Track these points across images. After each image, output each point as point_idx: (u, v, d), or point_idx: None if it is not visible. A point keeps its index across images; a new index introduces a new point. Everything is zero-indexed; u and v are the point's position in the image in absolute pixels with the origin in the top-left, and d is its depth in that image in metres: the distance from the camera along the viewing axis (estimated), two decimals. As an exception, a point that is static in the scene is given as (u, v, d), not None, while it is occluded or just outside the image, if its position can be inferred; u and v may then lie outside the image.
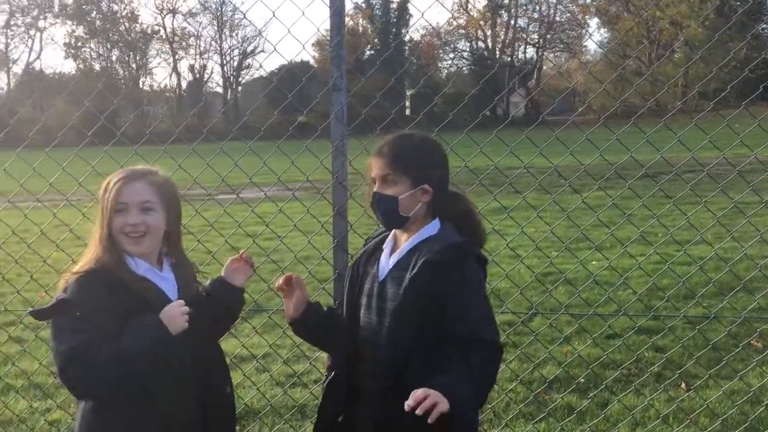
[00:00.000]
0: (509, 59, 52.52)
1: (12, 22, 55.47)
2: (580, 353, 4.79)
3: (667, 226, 4.54)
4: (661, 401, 4.25)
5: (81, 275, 2.09)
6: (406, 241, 2.25)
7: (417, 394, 1.85)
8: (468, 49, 55.64)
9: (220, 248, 5.25)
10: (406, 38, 54.11)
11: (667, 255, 6.59)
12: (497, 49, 53.49)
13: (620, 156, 3.57)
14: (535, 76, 53.63)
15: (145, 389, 2.07)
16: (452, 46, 55.29)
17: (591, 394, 4.38)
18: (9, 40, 55.82)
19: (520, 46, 55.17)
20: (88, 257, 2.15)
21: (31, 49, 57.15)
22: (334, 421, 2.32)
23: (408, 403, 1.84)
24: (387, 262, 2.26)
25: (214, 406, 2.27)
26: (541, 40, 53.97)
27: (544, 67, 54.57)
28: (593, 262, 7.31)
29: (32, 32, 56.14)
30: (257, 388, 4.39)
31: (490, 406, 4.24)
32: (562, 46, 54.41)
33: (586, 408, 4.20)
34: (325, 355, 2.81)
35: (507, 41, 53.55)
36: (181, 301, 2.11)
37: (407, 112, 35.90)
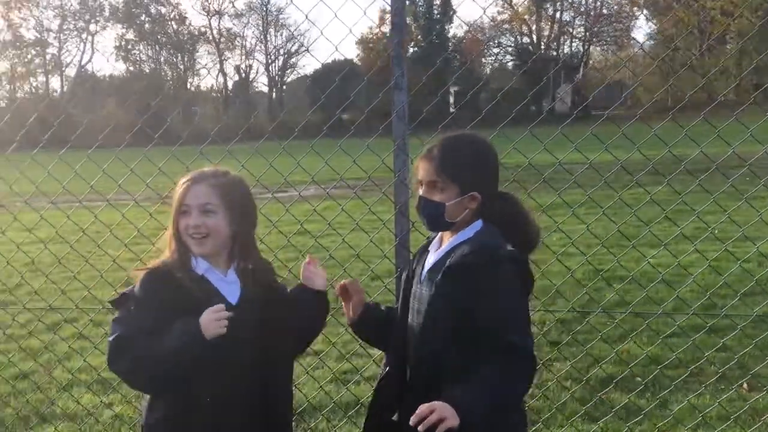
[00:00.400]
0: (554, 53, 51.87)
1: (65, 27, 57.13)
2: (635, 351, 4.73)
3: (739, 223, 4.41)
4: (723, 402, 4.18)
5: (146, 272, 2.18)
6: (447, 242, 2.23)
7: (422, 408, 1.83)
8: (512, 44, 55.15)
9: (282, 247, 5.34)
10: (450, 34, 53.91)
11: (727, 252, 6.45)
12: (542, 43, 52.87)
13: (675, 150, 3.50)
14: (581, 70, 52.82)
15: (193, 385, 2.12)
16: (496, 41, 54.85)
17: (650, 393, 4.33)
18: (62, 45, 57.51)
19: (565, 40, 54.47)
20: (162, 255, 2.23)
21: (83, 53, 58.79)
22: (384, 419, 2.30)
23: (412, 419, 1.82)
24: (429, 262, 2.26)
25: (273, 405, 2.26)
26: (587, 34, 53.14)
27: (590, 61, 53.75)
28: (651, 259, 7.19)
29: (84, 36, 57.73)
30: (320, 385, 4.43)
31: (545, 404, 4.22)
32: (609, 39, 53.46)
33: (646, 407, 4.15)
34: (379, 352, 2.82)
35: (552, 35, 52.91)
36: (220, 306, 2.09)
37: (451, 109, 35.77)
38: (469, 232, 2.17)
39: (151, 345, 2.06)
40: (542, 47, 52.42)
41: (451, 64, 45.64)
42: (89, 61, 59.11)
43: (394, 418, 2.28)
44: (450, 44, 52.35)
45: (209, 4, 57.23)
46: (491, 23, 51.72)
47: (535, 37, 53.31)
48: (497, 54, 55.87)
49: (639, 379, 4.54)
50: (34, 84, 57.81)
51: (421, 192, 2.20)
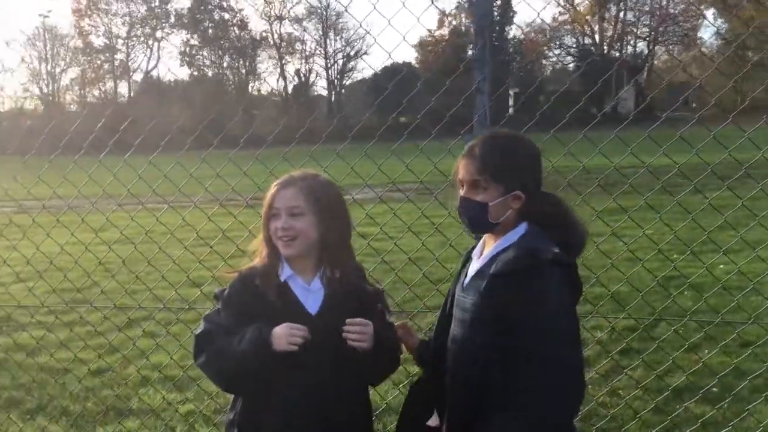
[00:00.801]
0: (618, 54, 50.77)
1: (132, 33, 58.99)
2: (710, 361, 4.56)
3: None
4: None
5: (238, 273, 2.24)
6: (490, 248, 2.13)
7: None
8: (574, 45, 54.22)
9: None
10: (510, 35, 53.34)
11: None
12: (605, 44, 51.82)
13: (743, 154, 3.35)
14: (645, 71, 51.53)
15: (264, 389, 2.15)
16: (557, 42, 54.01)
17: (723, 405, 4.16)
18: (130, 51, 59.40)
19: (629, 40, 53.23)
20: (255, 258, 2.28)
21: (149, 58, 60.56)
22: (419, 425, 2.26)
23: None
24: (472, 269, 2.17)
25: (345, 415, 2.22)
26: (652, 33, 51.81)
27: (655, 62, 52.41)
28: (720, 266, 6.95)
29: (150, 42, 59.48)
30: (398, 389, 4.39)
31: (609, 414, 4.11)
32: (675, 38, 52.00)
33: (720, 419, 3.99)
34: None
35: (615, 36, 51.80)
36: (295, 326, 2.08)
37: (510, 110, 35.38)
38: (513, 236, 2.07)
39: (226, 345, 2.11)
40: (605, 48, 51.36)
41: (510, 66, 45.21)
42: (155, 66, 60.79)
43: (430, 422, 2.24)
44: (509, 46, 51.83)
45: (270, 9, 58.22)
46: (552, 24, 51.03)
47: (597, 37, 52.31)
48: (558, 55, 55.09)
49: (715, 389, 4.38)
50: (103, 89, 59.97)
51: (462, 193, 2.11)
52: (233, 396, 2.30)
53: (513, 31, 52.89)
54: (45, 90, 58.41)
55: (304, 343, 2.07)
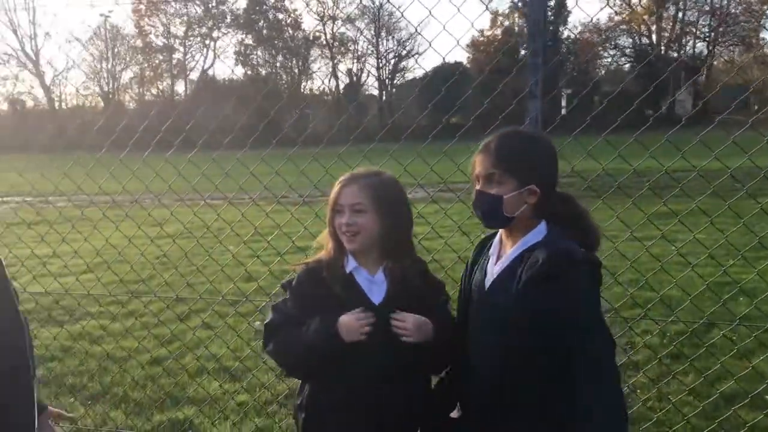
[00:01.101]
0: (676, 55, 49.59)
1: (189, 33, 60.28)
2: (762, 368, 4.51)
3: None
4: None
5: (305, 266, 2.38)
6: (511, 248, 2.14)
7: None
8: (630, 45, 53.16)
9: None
10: (564, 36, 52.64)
11: None
12: (662, 44, 50.67)
13: None
14: (704, 72, 50.18)
15: (328, 378, 2.28)
16: (613, 42, 53.04)
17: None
18: (187, 50, 60.71)
19: (688, 40, 51.93)
20: (321, 251, 2.41)
21: (205, 58, 61.83)
22: (442, 420, 2.32)
23: None
24: (493, 270, 2.18)
25: (406, 407, 2.30)
26: (712, 34, 50.44)
27: (715, 62, 50.98)
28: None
29: (207, 42, 60.70)
30: None
31: (655, 417, 4.12)
32: (735, 39, 50.50)
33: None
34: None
35: (674, 36, 50.60)
36: (362, 314, 2.20)
37: (563, 111, 34.95)
38: (536, 235, 2.10)
39: (293, 334, 2.25)
40: (662, 48, 50.23)
41: (564, 66, 44.62)
42: (211, 65, 61.91)
43: (453, 414, 2.32)
44: (563, 46, 51.14)
45: (324, 9, 58.74)
46: (608, 23, 50.17)
47: (654, 37, 51.17)
48: (613, 56, 54.07)
49: (767, 396, 4.34)
50: (161, 87, 61.44)
51: (477, 187, 2.14)
52: (300, 381, 2.44)
53: (567, 32, 52.25)
54: (105, 88, 60.19)
55: (371, 330, 2.19)
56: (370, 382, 2.24)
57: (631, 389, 4.57)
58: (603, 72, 53.01)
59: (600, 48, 52.31)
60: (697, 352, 4.92)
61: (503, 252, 2.19)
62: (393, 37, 58.10)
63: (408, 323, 2.21)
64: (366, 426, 2.25)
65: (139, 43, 60.08)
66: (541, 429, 2.05)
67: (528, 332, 2.02)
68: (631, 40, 53.03)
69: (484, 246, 2.31)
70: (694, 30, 51.20)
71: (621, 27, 51.71)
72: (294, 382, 4.56)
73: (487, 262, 2.22)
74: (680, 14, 50.56)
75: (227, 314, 6.03)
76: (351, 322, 2.19)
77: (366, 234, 2.28)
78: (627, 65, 52.10)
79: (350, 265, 2.33)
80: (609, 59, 54.34)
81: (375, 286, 2.32)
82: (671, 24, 50.60)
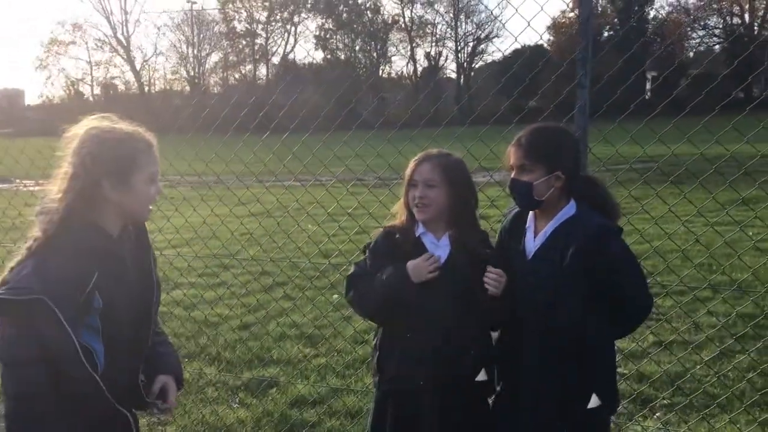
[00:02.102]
0: (770, 35, 47.19)
1: (271, 18, 61.65)
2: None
3: None
4: None
5: (383, 230, 2.75)
6: (548, 224, 2.52)
7: None
8: (720, 26, 50.94)
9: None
10: (650, 16, 50.95)
11: None
12: (756, 24, 48.33)
13: None
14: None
15: (399, 323, 2.63)
16: (702, 23, 50.95)
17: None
18: (269, 35, 62.14)
19: (784, 19, 49.29)
20: (396, 219, 2.78)
21: (286, 43, 63.07)
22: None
23: None
24: (533, 242, 2.55)
25: (467, 354, 2.62)
26: (811, 12, 47.73)
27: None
28: None
29: (288, 26, 61.94)
30: None
31: (723, 392, 4.26)
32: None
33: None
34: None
35: (768, 15, 48.17)
36: (431, 255, 2.57)
37: (647, 95, 33.93)
38: (568, 210, 2.50)
39: (369, 283, 2.64)
40: (755, 28, 47.92)
41: (650, 48, 43.24)
42: (292, 50, 63.00)
43: (479, 378, 2.64)
44: (649, 27, 49.49)
45: (403, -8, 58.83)
46: (697, 3, 48.24)
47: (747, 16, 48.85)
48: (702, 37, 51.95)
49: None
50: (243, 71, 63.17)
51: (513, 175, 2.54)
52: (377, 326, 2.82)
53: (654, 12, 50.54)
54: (191, 73, 62.42)
55: (437, 275, 2.54)
56: (431, 328, 2.57)
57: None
58: (692, 53, 51.07)
59: (689, 29, 50.37)
60: (764, 333, 5.01)
61: (539, 228, 2.57)
62: (471, 20, 57.76)
63: (501, 277, 2.52)
64: (425, 367, 2.59)
65: (223, 28, 61.91)
66: (587, 372, 2.45)
67: (582, 293, 2.42)
68: (721, 21, 50.83)
69: (516, 218, 2.69)
70: (791, 8, 48.60)
71: (712, 6, 49.60)
72: (365, 351, 4.95)
73: (524, 236, 2.61)
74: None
75: (305, 288, 6.49)
76: (419, 263, 2.56)
77: (436, 206, 2.63)
78: (717, 46, 49.95)
79: (419, 230, 2.69)
80: (697, 40, 52.29)
81: (439, 248, 2.66)
82: (766, 2, 48.15)
